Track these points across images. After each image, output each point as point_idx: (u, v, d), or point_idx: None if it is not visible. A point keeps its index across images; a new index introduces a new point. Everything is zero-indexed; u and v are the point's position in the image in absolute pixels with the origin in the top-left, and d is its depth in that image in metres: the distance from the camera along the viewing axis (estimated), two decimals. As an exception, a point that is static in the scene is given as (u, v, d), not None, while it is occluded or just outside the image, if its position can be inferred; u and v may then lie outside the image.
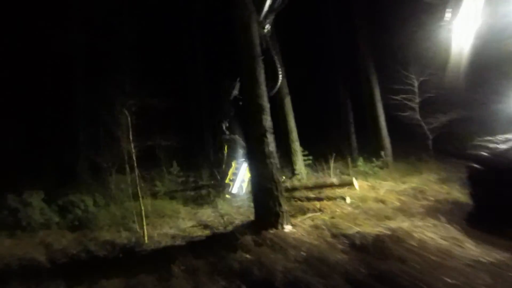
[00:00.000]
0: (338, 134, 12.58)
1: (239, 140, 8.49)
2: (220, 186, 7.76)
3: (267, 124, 4.03)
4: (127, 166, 6.48)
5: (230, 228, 4.86)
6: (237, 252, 3.20)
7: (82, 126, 11.54)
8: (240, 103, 7.83)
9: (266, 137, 3.98)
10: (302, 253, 3.05)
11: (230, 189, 7.37)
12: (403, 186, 6.74)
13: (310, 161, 11.01)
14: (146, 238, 4.73)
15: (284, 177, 9.54)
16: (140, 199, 5.49)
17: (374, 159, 9.45)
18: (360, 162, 9.46)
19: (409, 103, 9.10)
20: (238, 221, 5.33)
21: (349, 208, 5.41)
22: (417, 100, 8.95)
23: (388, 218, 4.38)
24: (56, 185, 10.08)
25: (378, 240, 3.20)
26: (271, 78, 8.05)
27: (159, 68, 12.19)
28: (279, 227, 3.68)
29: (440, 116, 8.47)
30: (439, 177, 6.90)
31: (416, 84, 8.78)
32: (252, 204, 6.68)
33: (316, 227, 4.13)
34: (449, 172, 7.14)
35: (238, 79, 8.28)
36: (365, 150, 10.96)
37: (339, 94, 13.53)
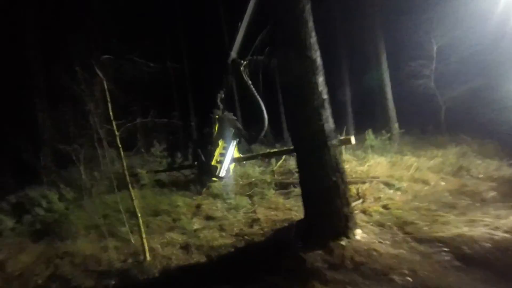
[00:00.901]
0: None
1: (233, 119, 7.18)
2: (205, 168, 6.52)
3: (323, 90, 2.78)
4: (101, 148, 4.92)
5: (262, 231, 3.70)
6: (308, 283, 2.10)
7: (41, 105, 9.16)
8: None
9: (323, 107, 2.75)
10: (407, 278, 2.07)
11: (217, 172, 6.19)
12: (430, 162, 6.05)
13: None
14: (147, 253, 3.43)
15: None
16: (131, 192, 4.00)
17: (383, 131, 8.74)
18: (369, 135, 8.70)
19: (423, 70, 8.28)
20: (263, 218, 4.21)
21: (392, 192, 4.56)
22: (433, 66, 8.15)
23: (455, 207, 3.56)
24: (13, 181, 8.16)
25: (498, 248, 2.32)
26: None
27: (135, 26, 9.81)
28: (350, 234, 2.64)
29: (457, 86, 7.79)
30: (465, 150, 6.31)
31: (434, 48, 7.90)
32: (265, 192, 5.71)
33: (381, 225, 3.18)
34: (475, 144, 6.59)
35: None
36: (369, 124, 10.24)
37: (338, 57, 12.39)
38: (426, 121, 8.93)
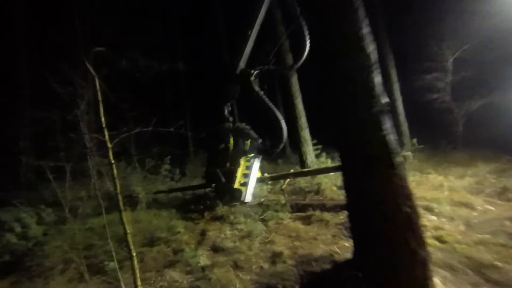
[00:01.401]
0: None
1: (248, 129, 6.37)
2: (225, 191, 5.64)
3: (382, 92, 2.16)
4: (90, 164, 4.13)
5: (291, 272, 2.91)
6: None
7: (22, 109, 8.26)
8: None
9: (384, 114, 2.12)
10: None
11: (243, 197, 5.32)
12: (462, 181, 5.44)
13: (318, 151, 9.48)
14: (143, 305, 2.60)
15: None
16: (123, 217, 3.12)
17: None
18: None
19: (438, 83, 7.89)
20: (286, 252, 3.43)
21: (436, 218, 3.87)
22: (449, 79, 7.78)
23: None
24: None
25: None
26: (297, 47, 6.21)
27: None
28: (429, 284, 1.91)
29: (475, 100, 7.40)
30: (504, 168, 5.74)
31: (450, 60, 7.57)
32: (280, 215, 4.93)
33: (451, 267, 2.47)
34: (499, 162, 6.06)
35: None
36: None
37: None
38: (441, 136, 8.44)
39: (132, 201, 6.15)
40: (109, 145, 2.78)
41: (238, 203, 5.61)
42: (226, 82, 6.13)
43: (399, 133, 9.30)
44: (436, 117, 8.54)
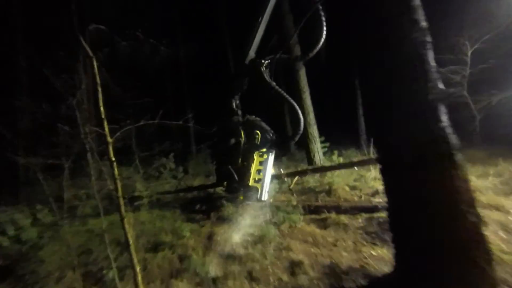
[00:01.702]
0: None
1: (259, 121, 5.93)
2: (239, 189, 5.27)
3: (438, 76, 1.81)
4: (90, 162, 3.78)
5: (316, 286, 2.57)
6: None
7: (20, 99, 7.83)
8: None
9: (442, 101, 1.77)
10: None
11: (259, 195, 4.88)
12: (485, 182, 5.10)
13: (326, 149, 9.13)
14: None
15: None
16: (124, 219, 2.77)
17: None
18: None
19: (454, 77, 7.50)
20: (306, 260, 3.09)
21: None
22: (467, 72, 7.39)
23: None
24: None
25: None
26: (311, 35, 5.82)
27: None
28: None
29: (493, 94, 7.03)
30: None
31: (468, 53, 7.17)
32: (293, 217, 4.59)
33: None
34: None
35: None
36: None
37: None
38: (457, 132, 8.06)
39: (134, 200, 5.81)
40: (109, 139, 2.43)
41: (254, 202, 5.31)
42: (234, 73, 5.75)
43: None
44: (452, 113, 8.13)
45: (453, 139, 1.77)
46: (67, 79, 2.95)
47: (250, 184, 5.03)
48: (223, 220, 5.08)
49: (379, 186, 5.69)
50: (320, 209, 4.85)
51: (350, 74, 12.48)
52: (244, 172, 5.19)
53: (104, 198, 4.93)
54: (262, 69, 5.80)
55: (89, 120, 3.29)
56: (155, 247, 3.98)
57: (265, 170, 5.19)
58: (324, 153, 8.80)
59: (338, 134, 10.97)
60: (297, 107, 5.63)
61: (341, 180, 6.25)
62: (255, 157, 5.44)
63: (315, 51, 5.91)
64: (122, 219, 2.41)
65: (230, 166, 5.39)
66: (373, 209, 4.43)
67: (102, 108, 2.08)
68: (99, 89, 2.03)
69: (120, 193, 2.61)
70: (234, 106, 6.01)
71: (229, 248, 3.78)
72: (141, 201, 5.74)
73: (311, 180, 7.03)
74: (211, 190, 6.43)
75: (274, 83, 5.80)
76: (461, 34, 7.03)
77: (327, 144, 9.14)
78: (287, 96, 5.68)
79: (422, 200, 1.75)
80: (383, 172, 2.10)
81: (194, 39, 11.45)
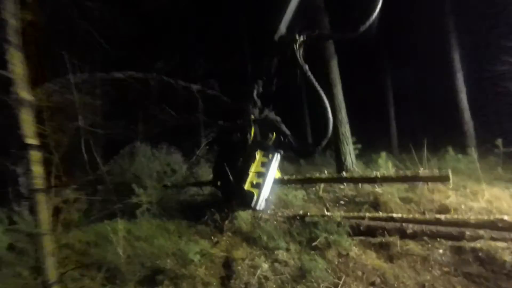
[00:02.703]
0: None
1: (279, 123, 4.77)
2: (233, 193, 4.14)
3: None
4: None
5: None
6: None
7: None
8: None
9: None
10: None
11: (253, 203, 3.74)
12: None
13: (357, 151, 7.83)
14: None
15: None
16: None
17: (470, 149, 6.51)
18: (451, 154, 6.41)
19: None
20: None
21: None
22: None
23: None
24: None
25: None
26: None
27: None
28: None
29: None
30: None
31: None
32: (340, 241, 3.26)
33: None
34: None
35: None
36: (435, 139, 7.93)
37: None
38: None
39: (133, 207, 4.72)
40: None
41: (246, 210, 4.17)
42: (259, 52, 4.56)
43: (462, 133, 7.56)
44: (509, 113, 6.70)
45: None
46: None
47: (245, 187, 3.83)
48: (240, 235, 3.91)
49: (443, 199, 4.39)
50: (373, 229, 3.59)
51: (381, 70, 11.12)
52: (241, 173, 4.02)
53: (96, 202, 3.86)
54: (296, 48, 4.57)
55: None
56: (151, 278, 2.84)
57: (267, 173, 3.97)
58: (356, 156, 7.52)
59: (366, 136, 9.66)
60: (327, 103, 4.40)
61: (388, 190, 4.95)
62: (257, 156, 4.20)
63: (368, 23, 4.55)
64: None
65: (225, 164, 4.24)
66: (457, 235, 3.14)
67: None
68: None
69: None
70: (255, 94, 4.81)
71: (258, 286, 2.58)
72: (141, 205, 4.66)
73: (345, 187, 5.77)
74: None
75: (307, 67, 4.55)
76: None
77: (359, 146, 7.84)
78: (318, 87, 4.44)
79: None
80: None
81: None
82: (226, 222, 4.25)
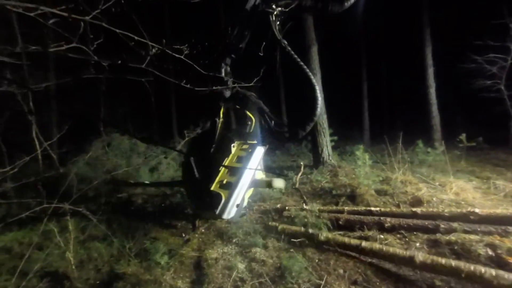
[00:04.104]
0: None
1: (254, 98, 3.85)
2: (197, 193, 3.15)
3: None
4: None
5: None
6: None
7: None
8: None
9: None
10: None
11: (218, 209, 2.64)
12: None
13: (333, 143, 7.85)
14: None
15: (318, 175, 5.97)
16: None
17: (436, 144, 6.80)
18: (420, 147, 6.63)
19: (491, 67, 6.43)
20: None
21: None
22: (508, 63, 6.32)
23: None
24: None
25: None
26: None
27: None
28: None
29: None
30: None
31: (512, 37, 6.06)
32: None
33: None
34: None
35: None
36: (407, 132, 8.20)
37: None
38: (491, 131, 7.02)
39: (91, 201, 4.13)
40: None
41: (208, 217, 3.49)
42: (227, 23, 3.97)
43: (428, 127, 7.89)
44: (487, 108, 7.05)
45: None
46: None
47: (212, 188, 2.92)
48: (214, 231, 3.61)
49: (415, 191, 4.47)
50: (352, 223, 3.51)
51: (356, 62, 11.19)
52: (210, 169, 3.13)
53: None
54: (272, 19, 4.00)
55: None
56: (108, 285, 2.43)
57: (242, 171, 3.00)
58: (332, 148, 7.52)
59: (339, 127, 9.73)
60: (314, 80, 3.72)
61: (363, 181, 4.94)
62: (232, 149, 3.32)
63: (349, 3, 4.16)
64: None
65: (192, 158, 3.37)
66: (432, 228, 3.15)
67: None
68: None
69: None
70: (223, 72, 4.10)
71: (232, 291, 2.32)
72: (100, 202, 4.10)
73: (321, 179, 5.71)
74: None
75: (285, 42, 4.01)
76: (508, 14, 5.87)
77: (335, 138, 7.85)
78: (301, 63, 3.80)
79: None
80: None
81: None
82: (199, 221, 3.88)
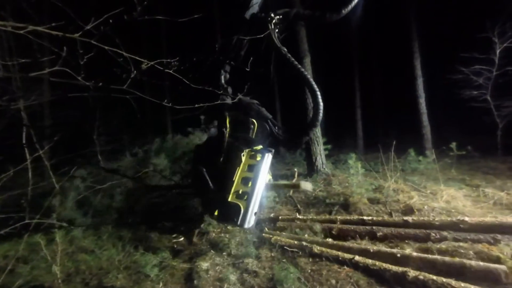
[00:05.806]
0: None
1: (257, 105, 3.90)
2: (215, 204, 3.28)
3: None
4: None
5: None
6: None
7: None
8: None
9: None
10: None
11: (239, 219, 2.90)
12: None
13: (327, 152, 7.92)
14: None
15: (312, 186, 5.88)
16: None
17: (427, 152, 6.92)
18: (412, 155, 6.73)
19: (478, 78, 6.65)
20: None
21: None
22: (493, 74, 6.55)
23: None
24: None
25: None
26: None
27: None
28: None
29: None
30: None
31: (497, 50, 6.30)
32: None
33: None
34: None
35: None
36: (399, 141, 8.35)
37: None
38: (479, 140, 7.18)
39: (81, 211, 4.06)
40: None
41: (232, 225, 3.56)
42: (227, 33, 4.04)
43: (420, 136, 8.04)
44: (476, 118, 7.23)
45: None
46: None
47: (229, 199, 3.06)
48: (206, 241, 3.57)
49: (407, 199, 4.51)
50: (345, 232, 3.52)
51: (350, 72, 11.44)
52: (224, 179, 3.24)
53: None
54: (271, 27, 4.04)
55: None
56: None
57: (256, 179, 3.13)
58: (326, 157, 7.58)
59: (333, 136, 9.83)
60: (315, 86, 3.75)
61: (356, 190, 4.98)
62: (242, 158, 3.40)
63: (350, 6, 4.08)
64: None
65: (204, 169, 3.46)
66: (423, 236, 3.17)
67: None
68: None
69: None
70: (223, 81, 4.18)
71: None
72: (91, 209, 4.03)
73: (315, 187, 5.71)
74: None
75: (285, 49, 4.03)
76: (493, 29, 6.14)
77: (329, 146, 7.93)
78: (302, 70, 3.86)
79: None
80: None
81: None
82: (194, 229, 3.83)
